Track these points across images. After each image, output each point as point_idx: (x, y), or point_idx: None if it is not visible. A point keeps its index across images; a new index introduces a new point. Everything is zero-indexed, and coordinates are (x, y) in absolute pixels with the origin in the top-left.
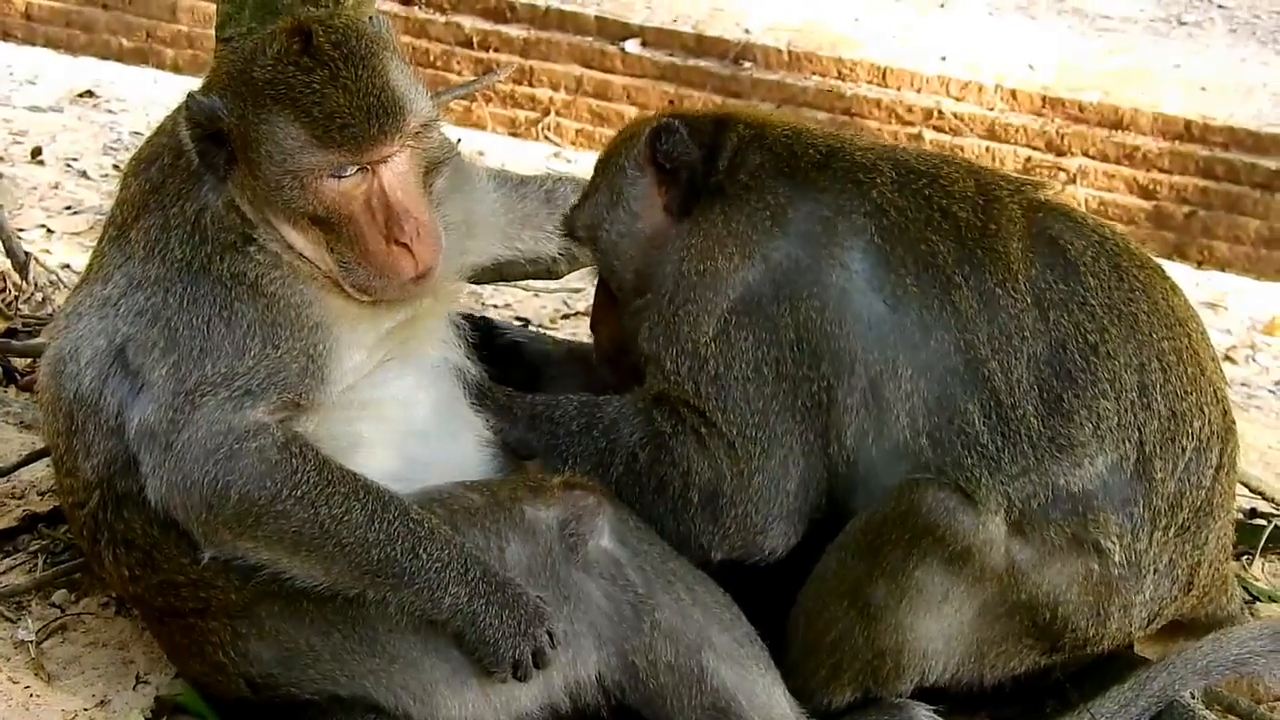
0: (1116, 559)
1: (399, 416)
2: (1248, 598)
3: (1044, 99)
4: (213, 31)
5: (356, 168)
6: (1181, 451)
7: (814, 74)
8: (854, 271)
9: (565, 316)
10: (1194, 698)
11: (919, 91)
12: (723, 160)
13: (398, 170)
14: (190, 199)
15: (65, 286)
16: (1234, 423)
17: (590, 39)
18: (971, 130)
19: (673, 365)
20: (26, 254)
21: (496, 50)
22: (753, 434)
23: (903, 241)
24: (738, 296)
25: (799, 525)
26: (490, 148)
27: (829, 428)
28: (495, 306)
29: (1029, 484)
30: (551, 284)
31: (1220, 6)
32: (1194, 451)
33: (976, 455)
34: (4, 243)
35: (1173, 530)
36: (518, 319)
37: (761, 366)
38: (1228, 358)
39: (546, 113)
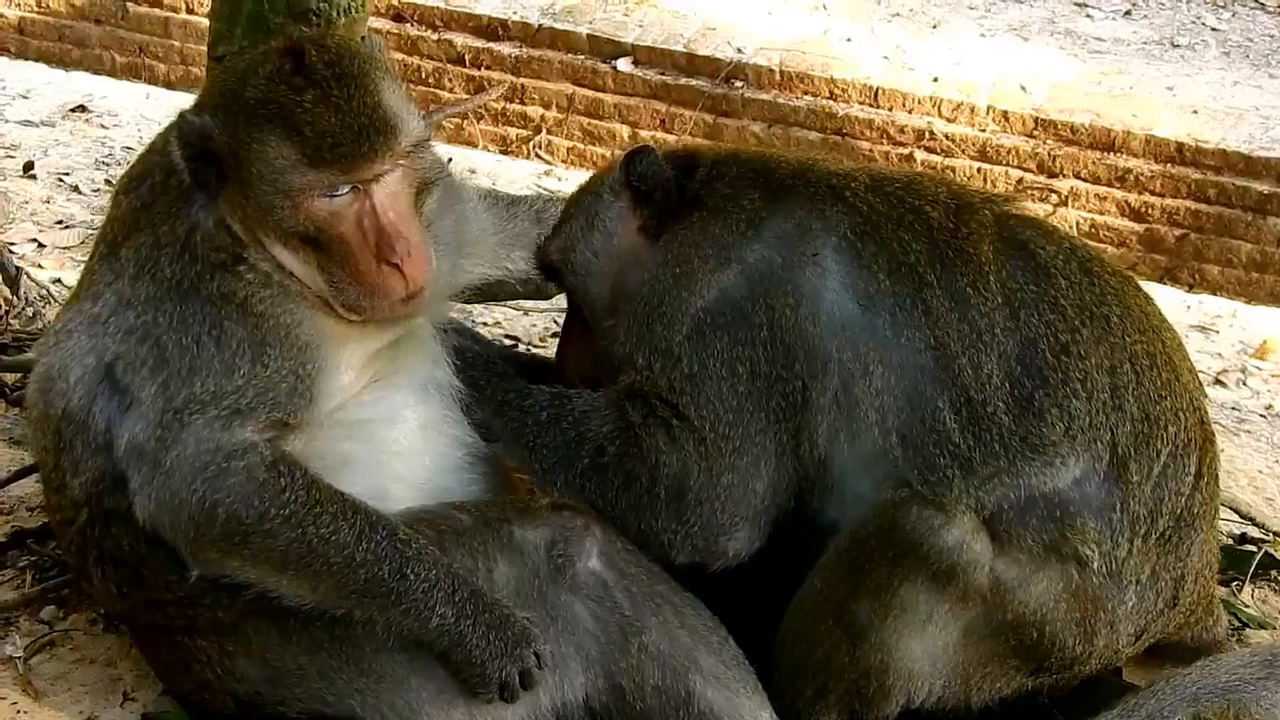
0: (1096, 567)
1: (387, 436)
2: (1237, 624)
3: (1036, 120)
4: (205, 47)
5: (348, 187)
6: (1156, 455)
7: (806, 94)
8: (827, 269)
9: (554, 335)
10: None
11: (911, 112)
12: (699, 177)
13: (389, 190)
14: (181, 218)
15: (56, 301)
16: (1213, 434)
17: (582, 57)
18: (963, 151)
19: (645, 362)
20: (17, 269)
21: (488, 68)
22: (725, 431)
23: (875, 239)
24: (713, 298)
25: (763, 530)
26: (481, 165)
27: (801, 428)
28: (485, 325)
29: (1002, 485)
30: (541, 303)
31: (1213, 30)
32: (1169, 457)
33: (949, 456)
34: None
35: (1153, 539)
36: (508, 337)
37: (736, 365)
38: (1219, 381)
39: (538, 130)
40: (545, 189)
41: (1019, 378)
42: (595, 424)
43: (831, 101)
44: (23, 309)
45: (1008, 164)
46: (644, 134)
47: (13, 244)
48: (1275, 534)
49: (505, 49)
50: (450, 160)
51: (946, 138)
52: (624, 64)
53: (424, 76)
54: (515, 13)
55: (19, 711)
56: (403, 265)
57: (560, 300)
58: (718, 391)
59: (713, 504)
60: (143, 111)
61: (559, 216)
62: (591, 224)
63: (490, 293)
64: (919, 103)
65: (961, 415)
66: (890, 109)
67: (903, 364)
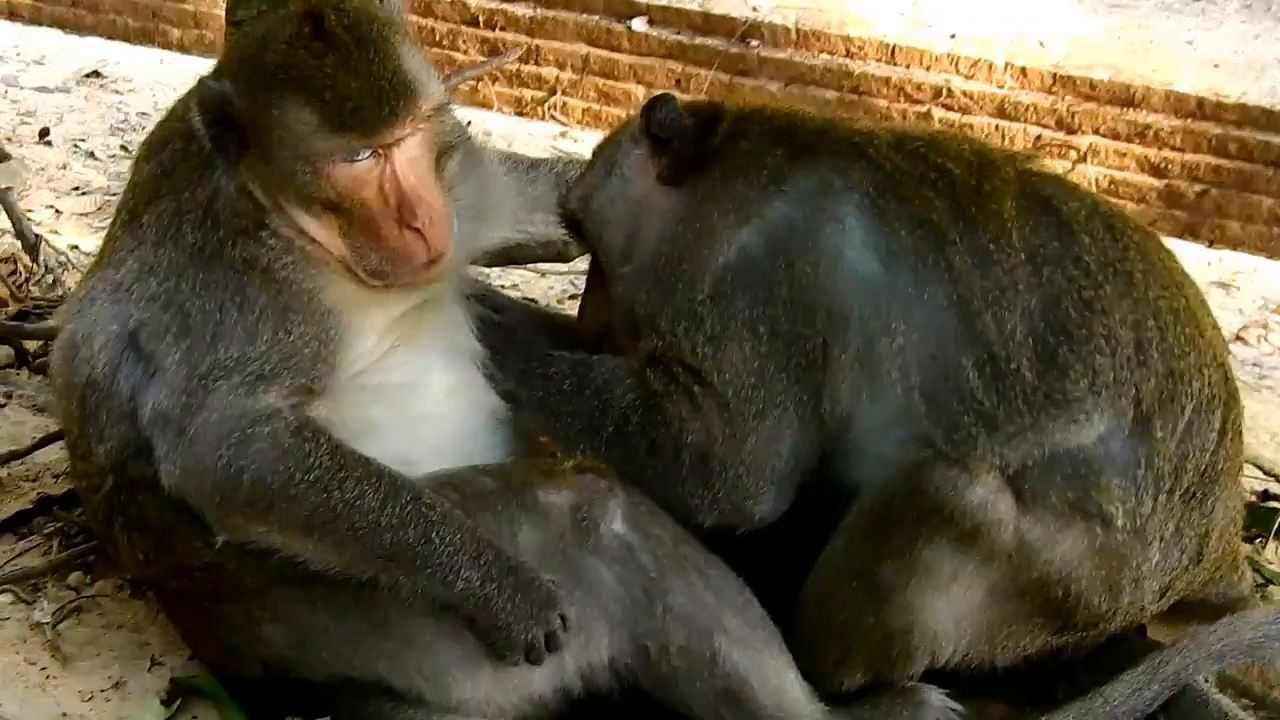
0: (1121, 524)
1: (411, 400)
2: (1260, 581)
3: (1055, 77)
4: (220, 10)
5: (369, 152)
6: (1180, 411)
7: (822, 52)
8: (849, 227)
9: (572, 297)
10: (1207, 682)
11: (928, 69)
12: (721, 130)
13: (410, 154)
14: (202, 184)
15: (75, 267)
16: (1237, 390)
17: (597, 17)
18: (981, 108)
19: (667, 325)
20: (36, 235)
21: (503, 29)
22: (747, 394)
23: (898, 197)
24: (734, 255)
25: (789, 492)
26: (496, 127)
27: (823, 388)
28: (502, 287)
29: (1026, 443)
30: (559, 266)
31: None
32: (1194, 413)
33: (973, 414)
34: (14, 225)
35: (1178, 495)
36: (525, 299)
37: (757, 325)
38: (1239, 338)
39: (553, 92)
40: (561, 150)
41: (1043, 334)
42: (618, 393)
43: (848, 59)
44: (42, 275)
45: (1026, 121)
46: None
47: (30, 211)
48: None
49: (519, 10)
50: (469, 124)
51: (964, 95)
52: (639, 23)
53: (438, 39)
54: None
55: (48, 677)
56: (424, 230)
57: (578, 263)
58: (740, 354)
59: (738, 469)
60: (157, 76)
61: (584, 166)
62: (610, 171)
63: (510, 256)
64: (936, 60)
65: (985, 372)
66: (907, 66)
67: (925, 321)
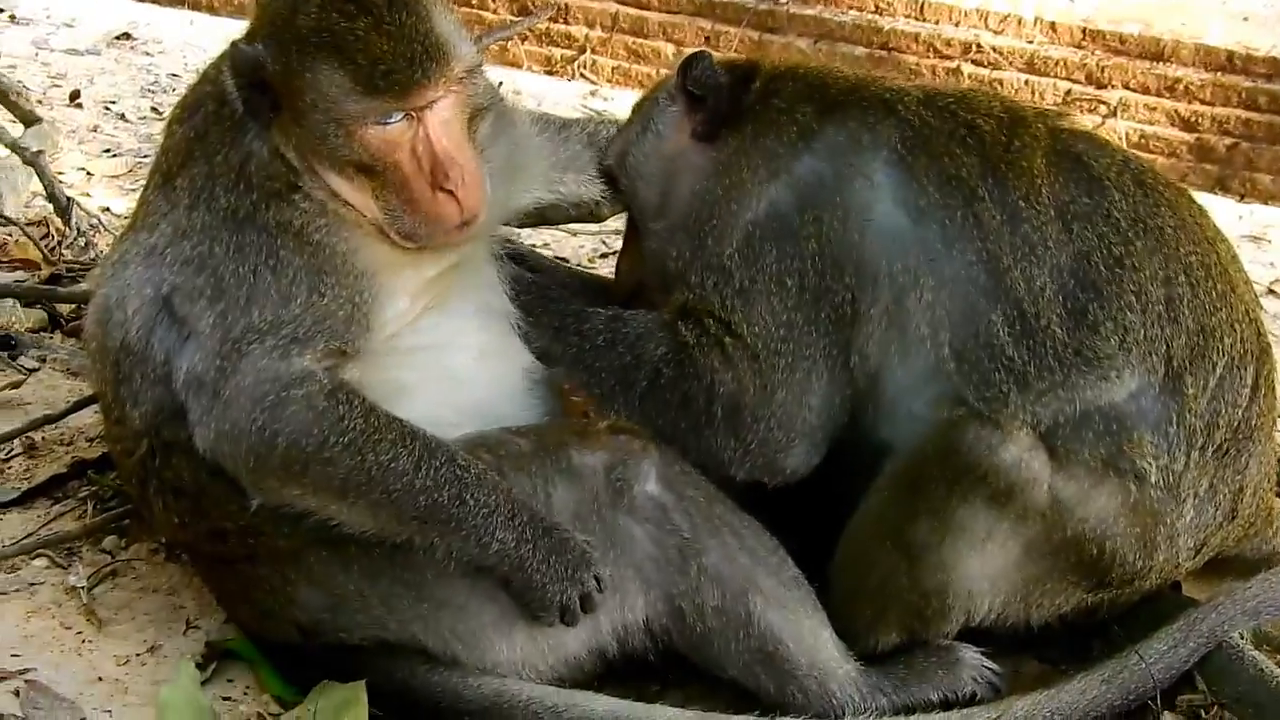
0: (1154, 480)
1: (444, 362)
2: None
3: (1084, 31)
4: None
5: (401, 114)
6: (1212, 368)
7: (851, 8)
8: (877, 183)
9: (603, 256)
10: (1243, 638)
11: (957, 25)
12: (755, 88)
13: (442, 116)
14: (235, 147)
15: (107, 230)
16: (1269, 345)
17: None
18: (1010, 64)
19: (697, 279)
20: (68, 199)
21: None
22: (777, 346)
23: (927, 153)
24: (763, 210)
25: (820, 447)
26: (526, 86)
27: (853, 342)
28: (534, 247)
29: (1057, 400)
30: (591, 225)
31: None
32: (1225, 369)
33: (1003, 370)
34: (46, 188)
35: (1210, 452)
36: (556, 258)
37: (785, 279)
38: (1271, 291)
39: (582, 50)
40: (591, 109)
41: (1072, 290)
42: (650, 346)
43: (877, 16)
44: (74, 238)
45: (1056, 76)
46: (689, 52)
47: (61, 173)
48: None
49: None
50: (500, 84)
51: (994, 50)
52: None
53: None
54: None
55: (83, 641)
56: (457, 192)
57: (609, 224)
58: (768, 306)
59: (768, 420)
60: (187, 38)
61: (619, 124)
62: (646, 127)
63: (543, 216)
64: (965, 15)
65: (1015, 328)
66: (936, 22)
67: (954, 277)
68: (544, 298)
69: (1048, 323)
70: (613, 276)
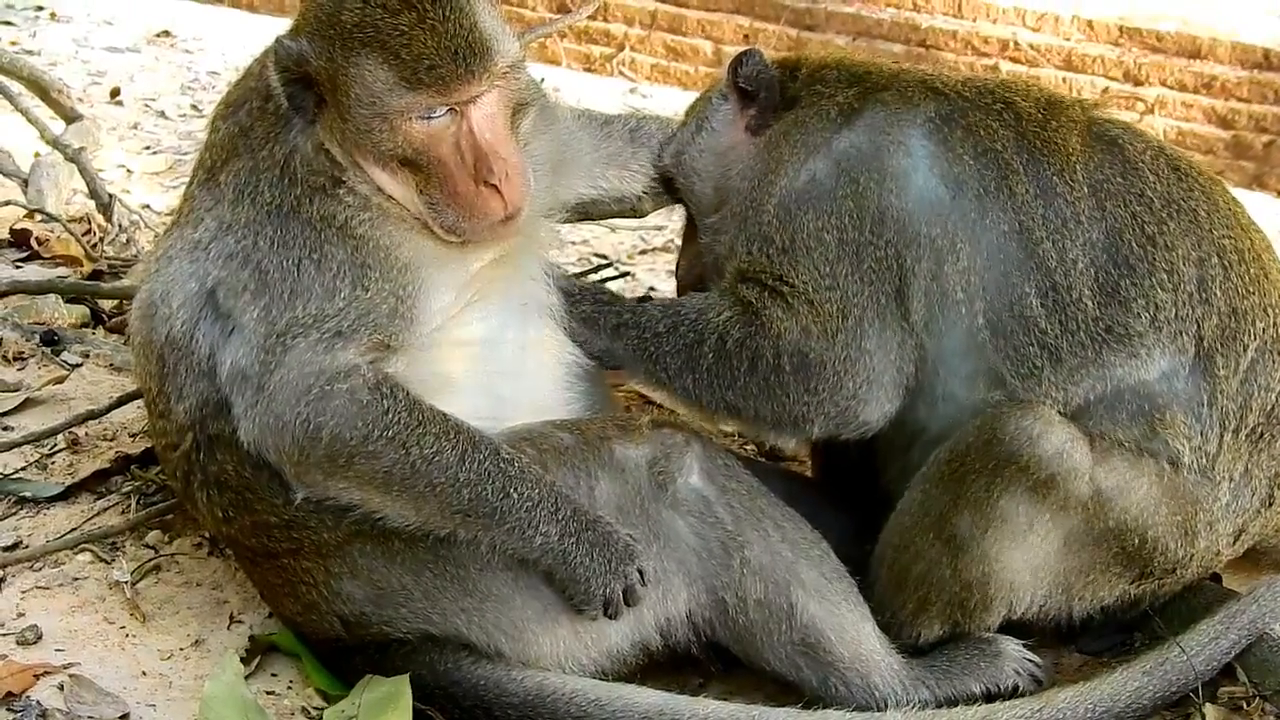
0: (1188, 462)
1: (487, 356)
2: None
3: (1121, 29)
4: None
5: (445, 109)
6: (1243, 350)
7: (889, 6)
8: (913, 151)
9: (643, 252)
10: None
11: (995, 22)
12: (800, 78)
13: (486, 111)
14: (279, 142)
15: (148, 226)
16: None
17: None
18: (1048, 61)
19: (745, 248)
20: (110, 195)
21: None
22: (826, 293)
23: (962, 125)
24: (801, 182)
25: (892, 395)
26: (565, 84)
27: (903, 291)
28: (573, 243)
29: (1089, 377)
30: (631, 221)
31: None
32: (1257, 352)
33: (1037, 345)
34: (88, 185)
35: (1244, 435)
36: (595, 255)
37: (824, 234)
38: None
39: (621, 48)
40: (630, 107)
41: (1104, 266)
42: (712, 316)
43: (915, 13)
44: (116, 235)
45: (1093, 73)
46: (727, 49)
47: (101, 170)
48: None
49: None
50: (543, 80)
51: (1031, 47)
52: None
53: None
54: None
55: (127, 635)
56: (500, 186)
57: (649, 219)
58: (809, 259)
59: (834, 365)
60: (226, 35)
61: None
62: (700, 126)
63: (585, 211)
64: (1003, 13)
65: (1048, 301)
66: (974, 19)
67: (989, 246)
68: (597, 301)
69: (1079, 296)
70: (653, 273)
